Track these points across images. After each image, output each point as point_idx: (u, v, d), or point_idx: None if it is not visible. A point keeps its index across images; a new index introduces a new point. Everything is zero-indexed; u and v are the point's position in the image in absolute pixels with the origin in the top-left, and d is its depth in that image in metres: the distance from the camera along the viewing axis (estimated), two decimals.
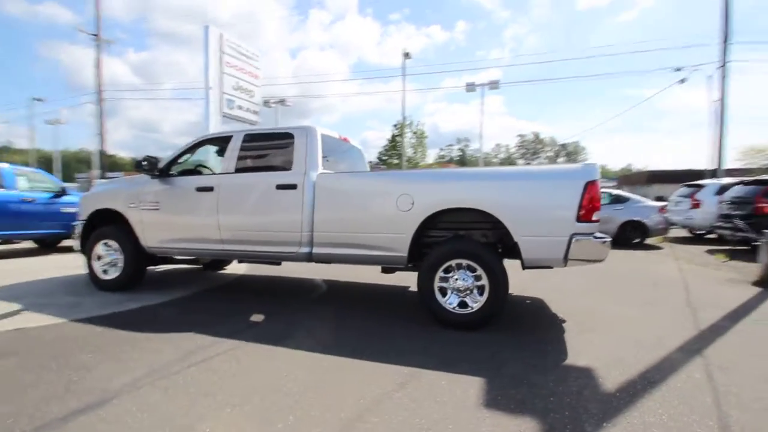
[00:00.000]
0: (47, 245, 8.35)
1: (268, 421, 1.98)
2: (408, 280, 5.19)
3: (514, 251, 3.45)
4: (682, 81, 16.57)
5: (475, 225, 3.57)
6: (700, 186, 9.87)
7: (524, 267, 3.30)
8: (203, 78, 16.02)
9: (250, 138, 4.20)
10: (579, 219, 3.04)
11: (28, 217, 7.11)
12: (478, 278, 3.30)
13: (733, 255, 7.04)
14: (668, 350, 2.93)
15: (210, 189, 4.07)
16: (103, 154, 23.26)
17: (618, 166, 76.36)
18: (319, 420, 1.99)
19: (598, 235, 3.12)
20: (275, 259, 4.03)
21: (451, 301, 3.37)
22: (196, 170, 4.77)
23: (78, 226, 4.72)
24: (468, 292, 3.32)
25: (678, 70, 16.54)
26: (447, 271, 3.37)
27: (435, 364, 2.65)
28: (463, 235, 3.59)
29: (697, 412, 2.09)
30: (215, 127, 16.39)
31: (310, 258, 3.82)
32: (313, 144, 3.91)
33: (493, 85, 18.60)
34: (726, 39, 14.94)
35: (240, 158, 4.13)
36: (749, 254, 7.48)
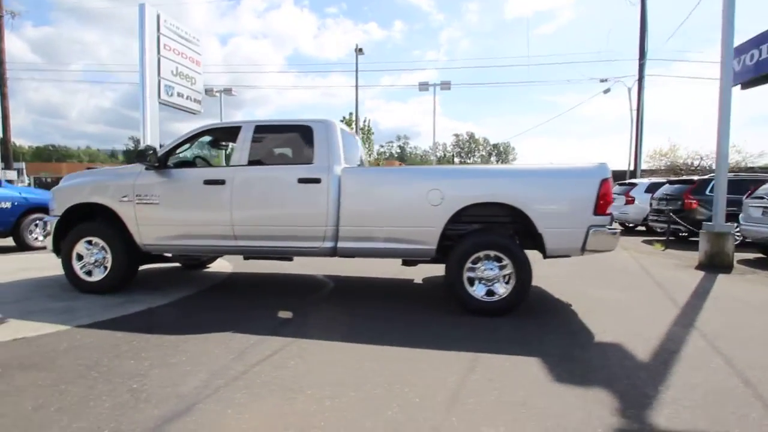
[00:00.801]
0: None
1: (375, 410, 2.01)
2: (409, 272, 5.33)
3: (530, 242, 3.75)
4: (607, 91, 18.63)
5: (494, 218, 3.81)
6: (633, 184, 11.26)
7: (545, 257, 3.61)
8: (138, 62, 14.75)
9: (262, 129, 4.04)
10: (595, 212, 3.41)
11: None
12: (502, 268, 3.54)
13: (666, 244, 8.18)
14: (667, 325, 3.41)
15: (221, 182, 3.85)
16: (6, 141, 20.25)
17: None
18: (423, 405, 2.06)
19: (611, 227, 3.51)
20: (295, 255, 3.93)
21: (478, 290, 3.58)
22: (191, 162, 4.46)
23: (51, 223, 4.17)
24: (495, 281, 3.56)
25: (603, 81, 18.57)
26: (474, 262, 3.57)
27: (488, 348, 2.83)
28: (482, 228, 3.81)
29: (720, 373, 2.50)
30: (152, 116, 15.15)
31: (333, 253, 3.80)
32: (335, 138, 3.89)
33: (445, 85, 19.39)
34: (643, 57, 17.05)
35: (253, 150, 3.95)
36: (678, 243, 8.75)
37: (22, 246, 7.18)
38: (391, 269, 5.53)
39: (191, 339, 2.91)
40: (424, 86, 19.19)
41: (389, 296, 4.35)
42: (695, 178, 8.93)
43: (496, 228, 3.84)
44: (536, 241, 3.65)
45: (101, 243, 4.02)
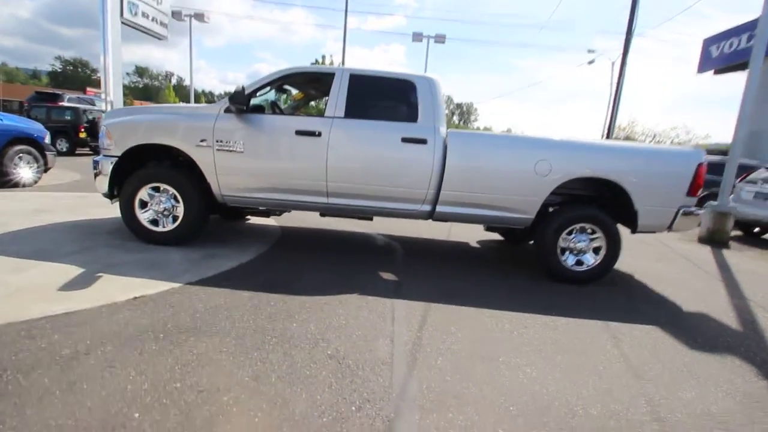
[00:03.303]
0: None
1: (576, 377, 2.14)
2: (456, 234, 5.43)
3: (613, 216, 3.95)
4: (591, 62, 19.11)
5: (580, 192, 3.95)
6: None
7: (634, 232, 3.83)
8: None
9: (358, 80, 3.72)
10: (688, 194, 3.64)
11: None
12: (593, 240, 3.74)
13: None
14: (726, 297, 3.84)
15: (316, 134, 3.57)
16: None
17: (498, 129, 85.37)
18: (611, 373, 2.23)
19: (696, 208, 3.77)
20: (388, 216, 3.83)
21: (568, 260, 3.77)
22: (262, 107, 4.05)
23: (106, 163, 3.68)
24: (585, 252, 3.75)
25: (591, 51, 18.97)
26: (568, 233, 3.73)
27: (607, 317, 3.03)
28: (568, 201, 3.94)
29: None
30: (113, 39, 13.45)
31: (430, 216, 3.77)
32: (439, 97, 3.71)
33: (440, 38, 18.65)
34: (630, 33, 17.48)
35: (349, 101, 3.67)
36: None
37: (2, 182, 6.28)
38: (438, 230, 5.59)
39: (328, 301, 2.82)
40: (417, 37, 18.29)
41: (463, 258, 4.43)
42: None
43: (580, 202, 3.98)
44: (621, 216, 3.85)
45: (171, 190, 3.64)
